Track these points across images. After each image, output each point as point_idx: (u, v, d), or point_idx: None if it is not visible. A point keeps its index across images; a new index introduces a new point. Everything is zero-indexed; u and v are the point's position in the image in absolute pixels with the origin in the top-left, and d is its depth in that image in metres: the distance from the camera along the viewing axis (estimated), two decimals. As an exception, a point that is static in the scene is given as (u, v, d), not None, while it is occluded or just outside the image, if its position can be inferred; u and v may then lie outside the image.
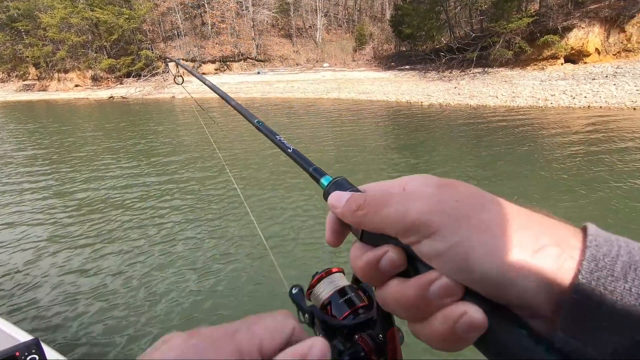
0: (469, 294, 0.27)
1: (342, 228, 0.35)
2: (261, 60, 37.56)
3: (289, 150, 0.50)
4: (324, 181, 0.40)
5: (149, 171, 9.28)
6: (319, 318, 0.41)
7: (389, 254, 0.29)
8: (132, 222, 5.96)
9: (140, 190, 7.67)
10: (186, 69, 1.05)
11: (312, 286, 0.45)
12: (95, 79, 36.25)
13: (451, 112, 15.25)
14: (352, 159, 9.63)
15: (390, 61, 32.51)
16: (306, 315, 0.43)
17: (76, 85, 36.60)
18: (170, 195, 7.29)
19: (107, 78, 36.00)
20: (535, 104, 14.79)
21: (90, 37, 36.02)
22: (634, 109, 12.73)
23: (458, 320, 0.26)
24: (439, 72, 25.18)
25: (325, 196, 0.37)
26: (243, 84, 30.47)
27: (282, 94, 25.83)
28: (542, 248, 0.26)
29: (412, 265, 0.29)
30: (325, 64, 35.52)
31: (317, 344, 0.25)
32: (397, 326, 0.38)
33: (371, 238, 0.32)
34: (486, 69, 22.61)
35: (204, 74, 35.66)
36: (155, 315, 3.67)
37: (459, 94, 18.10)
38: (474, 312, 0.26)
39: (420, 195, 0.29)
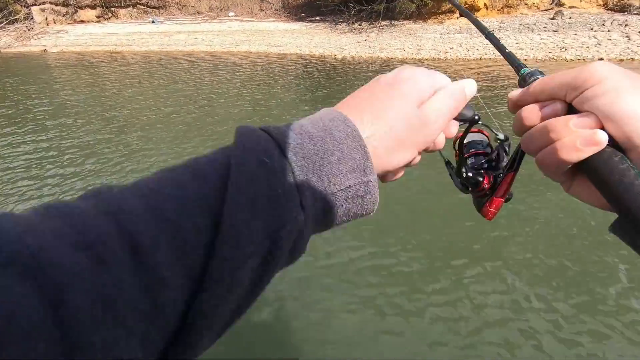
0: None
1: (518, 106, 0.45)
2: (155, 7, 32.79)
3: (505, 50, 0.65)
4: (522, 71, 0.54)
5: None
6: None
7: (557, 103, 0.39)
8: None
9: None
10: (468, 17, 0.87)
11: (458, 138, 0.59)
12: None
13: (364, 64, 15.53)
14: (267, 113, 9.31)
15: (300, 11, 31.26)
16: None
17: None
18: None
19: (-58, 25, 27.87)
20: (437, 56, 15.87)
21: None
22: (515, 60, 14.52)
23: (585, 135, 0.35)
24: (349, 24, 25.12)
25: (520, 84, 0.51)
26: (136, 34, 26.45)
27: (185, 47, 23.25)
28: None
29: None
30: (231, 13, 32.62)
31: (471, 80, 0.46)
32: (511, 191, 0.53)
33: None
34: (393, 22, 23.26)
35: (82, 21, 29.96)
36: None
37: (369, 47, 18.42)
38: (600, 132, 0.35)
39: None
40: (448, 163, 0.61)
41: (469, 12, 0.78)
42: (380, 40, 19.54)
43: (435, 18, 22.11)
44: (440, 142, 0.44)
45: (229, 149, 0.32)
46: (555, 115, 0.38)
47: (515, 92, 0.46)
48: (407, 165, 0.43)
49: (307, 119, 0.38)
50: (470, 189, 0.55)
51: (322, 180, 0.32)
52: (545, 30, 17.21)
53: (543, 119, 0.39)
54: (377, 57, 16.80)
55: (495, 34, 0.71)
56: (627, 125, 0.34)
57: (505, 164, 0.54)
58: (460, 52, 15.84)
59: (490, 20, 20.01)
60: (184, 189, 0.28)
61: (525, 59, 14.42)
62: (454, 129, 0.47)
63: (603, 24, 16.79)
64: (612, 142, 0.35)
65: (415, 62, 15.24)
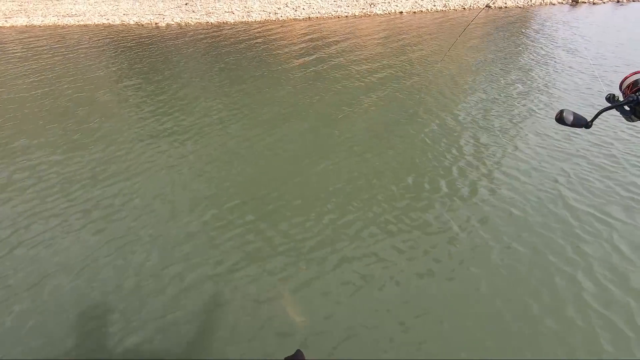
0: None
1: None
2: None
3: None
4: None
5: None
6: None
7: None
8: None
9: None
10: None
11: (625, 78, 0.85)
12: None
13: (194, 31, 14.08)
14: (73, 98, 7.59)
15: (89, -28, 25.37)
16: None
17: None
18: None
19: None
20: (268, 18, 15.73)
21: None
22: (338, 17, 15.78)
23: None
24: (159, -14, 22.01)
25: None
26: None
27: None
28: None
29: None
30: (-20, -26, 23.84)
31: None
32: None
33: None
34: (210, -17, 21.57)
35: None
36: None
37: (194, 12, 16.73)
38: None
39: None
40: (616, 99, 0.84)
41: None
42: (204, 3, 17.96)
43: (253, -22, 21.58)
44: None
45: None
46: None
47: None
48: None
49: None
50: None
51: None
52: (354, -11, 19.13)
53: None
54: (206, 22, 15.46)
55: None
56: None
57: None
58: (289, 13, 16.13)
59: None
60: None
61: (346, 16, 15.87)
62: None
63: (394, -18, 19.75)
64: None
65: (247, 25, 14.77)
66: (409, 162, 4.85)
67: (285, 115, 6.48)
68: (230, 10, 16.67)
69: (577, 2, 16.36)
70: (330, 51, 10.65)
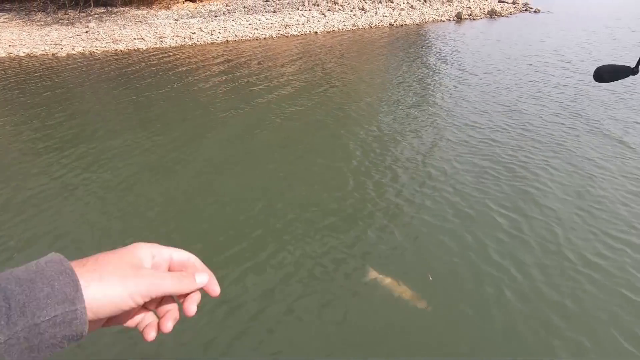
0: None
1: None
2: None
3: None
4: None
5: None
6: None
7: None
8: None
9: None
10: None
11: None
12: None
13: (101, 61, 13.01)
14: None
15: (-48, -2, 21.84)
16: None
17: None
18: None
19: None
20: (183, 43, 15.29)
21: None
22: (256, 39, 16.03)
23: None
24: (49, 13, 19.92)
25: None
26: None
27: None
28: None
29: None
30: None
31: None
32: None
33: None
34: (109, 9, 20.22)
35: None
36: None
37: (97, 39, 15.47)
38: None
39: None
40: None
41: None
42: (108, 30, 16.72)
43: (159, 3, 20.76)
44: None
45: None
46: None
47: None
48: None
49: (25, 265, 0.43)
50: None
51: (25, 315, 0.38)
52: (266, 12, 19.65)
53: None
54: (114, 50, 14.40)
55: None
56: None
57: None
58: (205, 37, 15.88)
59: (217, 5, 20.80)
60: None
61: (264, 38, 16.21)
62: None
63: (303, 4, 20.83)
64: None
65: (162, 51, 14.17)
66: (324, 176, 5.22)
67: (197, 138, 6.50)
68: (140, 36, 15.80)
69: (460, 19, 19.12)
70: (245, 72, 10.92)
